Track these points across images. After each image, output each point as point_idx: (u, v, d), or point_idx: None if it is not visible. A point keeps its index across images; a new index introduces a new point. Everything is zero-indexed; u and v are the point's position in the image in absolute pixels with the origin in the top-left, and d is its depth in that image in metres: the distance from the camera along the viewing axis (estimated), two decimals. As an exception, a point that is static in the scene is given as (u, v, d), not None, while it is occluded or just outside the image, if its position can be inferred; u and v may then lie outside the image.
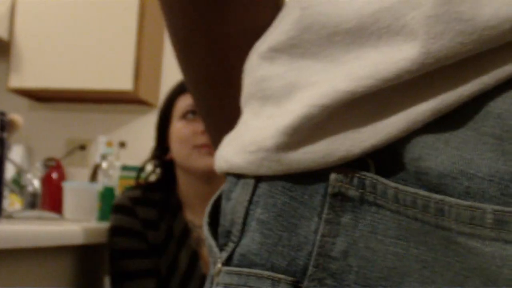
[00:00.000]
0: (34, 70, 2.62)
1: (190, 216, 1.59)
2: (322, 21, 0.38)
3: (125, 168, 2.06)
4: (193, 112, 1.57)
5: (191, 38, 0.49)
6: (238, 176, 0.43)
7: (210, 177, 1.56)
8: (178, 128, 1.58)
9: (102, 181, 1.93)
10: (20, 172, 2.02)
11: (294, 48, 0.40)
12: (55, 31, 2.61)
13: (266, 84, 0.41)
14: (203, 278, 1.50)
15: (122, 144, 2.61)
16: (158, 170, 1.68)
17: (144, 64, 2.61)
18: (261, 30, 0.46)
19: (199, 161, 1.54)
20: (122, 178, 2.02)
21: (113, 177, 1.96)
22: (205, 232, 0.46)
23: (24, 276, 1.37)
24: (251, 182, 0.42)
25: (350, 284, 0.37)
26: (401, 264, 0.36)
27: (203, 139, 1.54)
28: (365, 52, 0.36)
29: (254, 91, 0.43)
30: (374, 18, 0.36)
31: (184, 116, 1.58)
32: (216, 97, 0.52)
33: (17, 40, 2.64)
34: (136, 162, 2.21)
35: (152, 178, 1.70)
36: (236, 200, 0.43)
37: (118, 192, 1.95)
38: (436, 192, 0.35)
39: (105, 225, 1.65)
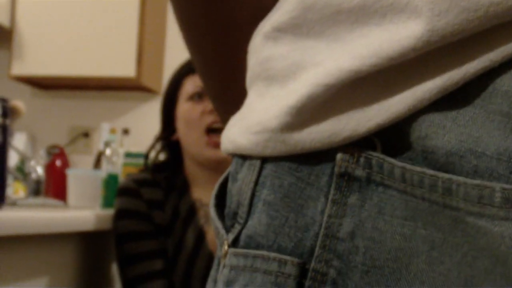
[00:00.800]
0: (36, 58, 2.61)
1: (197, 194, 1.59)
2: (325, 0, 0.37)
3: (128, 155, 2.06)
4: (199, 94, 1.57)
5: (198, 23, 0.49)
6: (244, 157, 0.43)
7: (219, 166, 1.56)
8: (186, 109, 1.58)
9: (106, 168, 1.93)
10: (23, 160, 2.02)
11: (298, 27, 0.39)
12: (57, 18, 2.61)
13: (270, 64, 0.41)
14: (210, 256, 1.51)
15: (126, 131, 2.60)
16: (164, 153, 1.67)
17: (147, 50, 2.60)
18: (267, 13, 0.46)
19: (206, 152, 1.55)
20: (125, 165, 2.02)
21: (116, 164, 1.96)
22: (212, 214, 0.46)
23: (31, 262, 1.37)
24: (257, 163, 0.42)
25: (357, 265, 0.37)
26: (408, 245, 0.36)
27: (211, 118, 1.54)
28: (369, 31, 0.36)
29: (259, 71, 0.42)
30: None
31: (191, 97, 1.58)
32: (224, 80, 0.52)
33: (19, 28, 2.63)
34: (139, 149, 2.21)
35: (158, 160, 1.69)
36: (242, 181, 0.43)
37: (122, 179, 1.95)
38: (444, 171, 0.35)
39: (110, 211, 1.66)
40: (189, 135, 1.57)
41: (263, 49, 0.42)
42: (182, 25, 0.51)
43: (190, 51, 0.53)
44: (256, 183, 0.41)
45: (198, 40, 0.51)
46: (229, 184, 0.45)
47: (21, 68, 2.62)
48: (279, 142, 0.39)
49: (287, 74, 0.39)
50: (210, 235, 1.54)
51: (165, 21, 2.82)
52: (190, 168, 1.62)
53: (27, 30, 2.62)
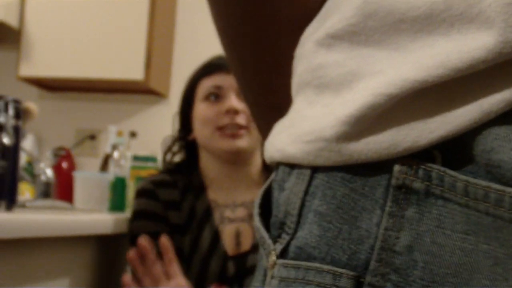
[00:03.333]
0: (44, 59, 2.61)
1: (213, 195, 1.60)
2: (388, 8, 0.37)
3: (136, 158, 2.05)
4: (215, 95, 1.59)
5: (238, 24, 0.48)
6: (292, 166, 0.42)
7: (233, 158, 1.58)
8: (202, 109, 1.59)
9: (113, 171, 1.92)
10: (32, 161, 2.01)
11: (355, 35, 0.38)
12: (66, 20, 2.60)
13: (323, 72, 0.40)
14: (224, 256, 1.52)
15: (133, 134, 2.59)
16: (181, 153, 1.69)
17: (155, 54, 2.60)
18: (311, 16, 0.45)
19: (221, 143, 1.56)
20: (133, 168, 2.01)
21: (124, 167, 1.95)
22: (257, 223, 0.45)
23: (49, 263, 1.37)
24: (307, 172, 0.41)
25: (415, 280, 0.36)
26: (470, 260, 0.35)
27: (226, 120, 1.56)
28: (435, 40, 0.35)
29: (310, 79, 0.41)
30: (446, 5, 0.34)
31: (207, 97, 1.59)
32: (263, 85, 0.51)
33: (28, 29, 2.62)
34: (146, 152, 2.20)
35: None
36: (290, 191, 0.42)
37: (129, 182, 1.94)
38: (510, 186, 0.34)
39: (124, 215, 1.66)
40: (204, 131, 1.59)
41: (315, 56, 0.41)
42: (221, 25, 0.50)
43: (228, 54, 0.52)
44: (306, 192, 0.40)
45: (237, 42, 0.50)
46: (275, 193, 0.44)
47: (29, 69, 2.62)
48: (334, 152, 0.38)
49: (342, 82, 0.39)
50: (225, 235, 1.56)
51: (174, 25, 2.82)
52: (206, 167, 1.63)
53: (36, 31, 2.62)
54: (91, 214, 1.62)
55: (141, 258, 1.46)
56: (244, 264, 1.51)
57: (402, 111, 0.36)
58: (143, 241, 1.44)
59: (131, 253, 1.45)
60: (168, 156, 1.69)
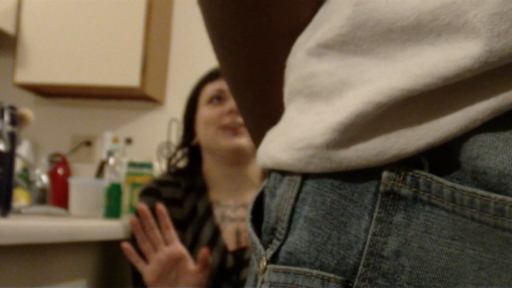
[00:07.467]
0: (40, 65, 2.61)
1: (214, 196, 1.65)
2: (377, 18, 0.37)
3: (132, 164, 2.05)
4: (218, 97, 1.64)
5: (233, 35, 0.49)
6: (283, 172, 0.43)
7: (235, 158, 1.62)
8: (205, 111, 1.65)
9: (109, 178, 1.92)
10: (27, 167, 2.01)
11: (345, 44, 0.39)
12: (62, 26, 2.61)
13: (314, 80, 0.41)
14: (224, 250, 1.56)
15: (129, 141, 2.60)
16: (185, 159, 1.73)
17: (151, 60, 2.60)
18: (305, 26, 0.46)
19: (223, 141, 1.60)
20: (128, 174, 2.01)
21: (119, 174, 1.96)
22: (248, 229, 0.46)
23: (45, 270, 1.37)
24: (298, 179, 0.41)
25: (402, 284, 0.37)
26: (456, 264, 0.36)
27: (228, 119, 1.60)
28: (422, 50, 0.36)
29: (301, 87, 0.42)
30: (434, 15, 0.35)
31: (210, 100, 1.64)
32: (256, 93, 0.51)
33: (24, 35, 2.63)
34: (142, 158, 2.20)
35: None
36: (281, 197, 0.42)
37: (125, 188, 1.95)
38: (495, 192, 0.35)
39: (119, 221, 1.67)
40: (207, 131, 1.63)
41: (306, 65, 0.42)
42: (214, 32, 0.51)
43: (221, 63, 0.53)
44: (297, 199, 0.41)
45: (231, 51, 0.51)
46: (267, 200, 0.44)
47: (25, 75, 2.62)
48: (324, 159, 0.39)
49: (333, 91, 0.39)
50: (226, 233, 1.59)
51: (170, 32, 2.83)
52: (208, 169, 1.67)
53: (32, 37, 2.62)
54: (87, 220, 1.62)
55: (141, 224, 1.48)
56: (242, 257, 1.55)
57: (390, 119, 0.37)
58: (143, 206, 1.47)
59: (134, 218, 1.47)
60: (173, 161, 1.73)
